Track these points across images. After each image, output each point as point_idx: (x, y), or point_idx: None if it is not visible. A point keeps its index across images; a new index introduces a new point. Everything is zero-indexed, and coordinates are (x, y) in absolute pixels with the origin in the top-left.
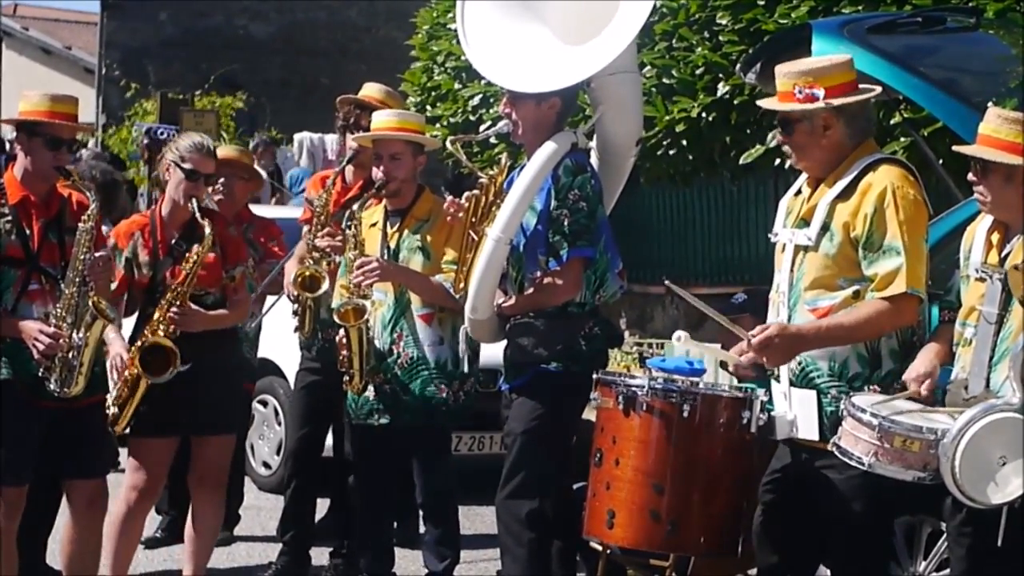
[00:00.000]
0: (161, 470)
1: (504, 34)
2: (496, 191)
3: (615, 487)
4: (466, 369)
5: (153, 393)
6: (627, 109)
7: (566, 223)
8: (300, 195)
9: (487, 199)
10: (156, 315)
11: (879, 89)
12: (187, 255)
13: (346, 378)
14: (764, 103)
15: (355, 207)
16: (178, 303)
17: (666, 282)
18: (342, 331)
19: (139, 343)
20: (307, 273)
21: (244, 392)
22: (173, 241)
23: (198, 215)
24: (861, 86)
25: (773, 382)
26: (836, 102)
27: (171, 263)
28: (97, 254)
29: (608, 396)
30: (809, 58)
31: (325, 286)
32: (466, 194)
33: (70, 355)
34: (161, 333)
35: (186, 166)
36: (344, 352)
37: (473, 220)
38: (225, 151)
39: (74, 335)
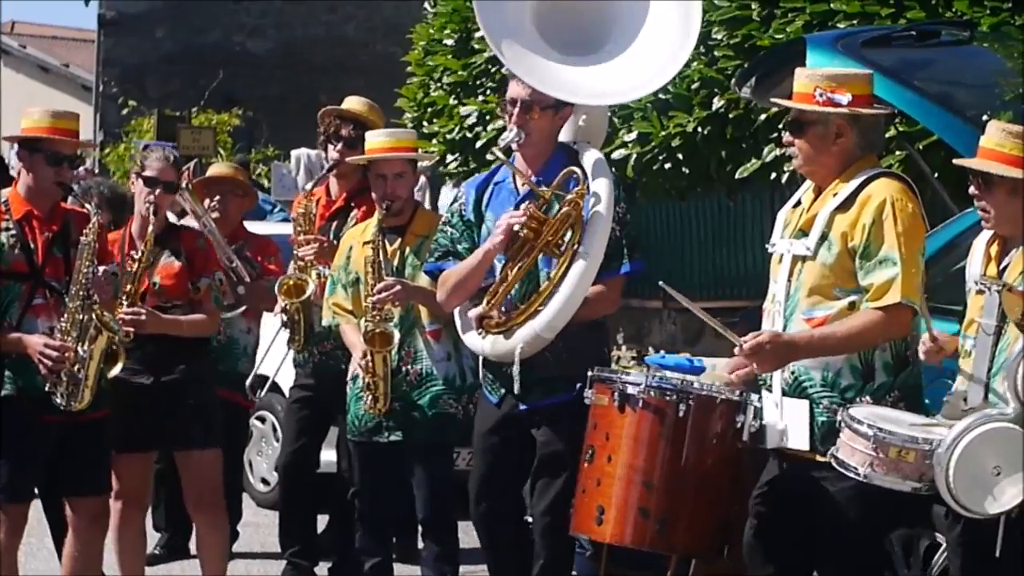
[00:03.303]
0: (139, 484)
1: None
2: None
3: (605, 483)
4: (469, 383)
5: (123, 408)
6: (603, 116)
7: (622, 236)
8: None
9: (575, 217)
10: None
11: (891, 109)
12: (131, 255)
13: (370, 400)
14: (780, 102)
15: (372, 232)
16: (127, 303)
17: (661, 283)
18: (368, 356)
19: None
20: (291, 282)
21: (241, 408)
22: None
23: (151, 217)
24: (875, 105)
25: (765, 391)
26: (860, 110)
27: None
28: (102, 267)
29: (603, 393)
30: (833, 67)
31: (310, 289)
32: (518, 208)
33: (76, 369)
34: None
35: (145, 173)
36: (368, 378)
37: (549, 239)
38: (219, 168)
39: (79, 348)
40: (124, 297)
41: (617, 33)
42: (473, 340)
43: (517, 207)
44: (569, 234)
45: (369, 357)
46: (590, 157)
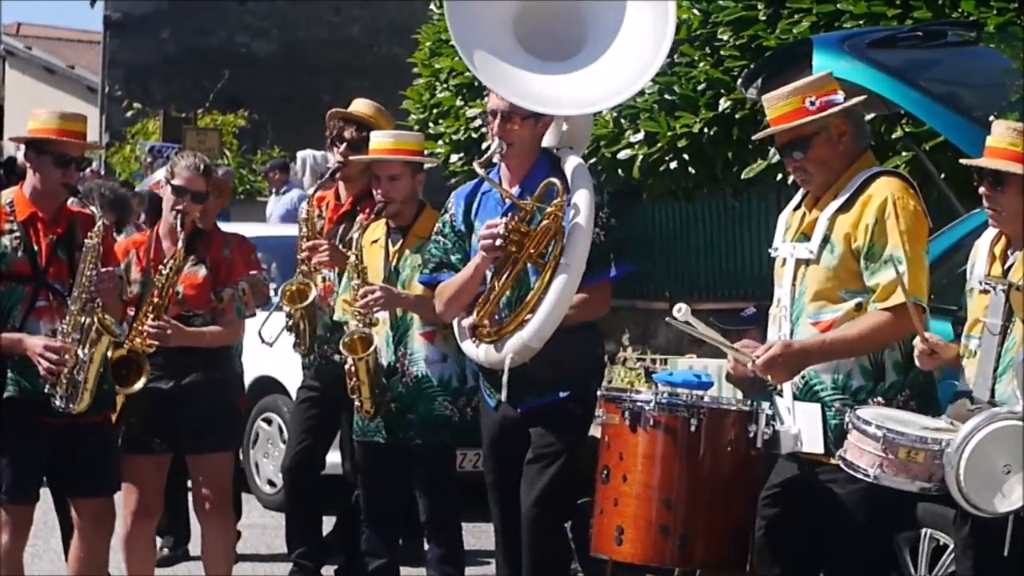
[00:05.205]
0: (153, 488)
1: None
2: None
3: (623, 503)
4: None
5: (141, 410)
6: (587, 119)
7: (607, 241)
8: None
9: (556, 228)
10: (132, 327)
11: (864, 96)
12: (159, 269)
13: (357, 403)
14: (767, 133)
15: (356, 235)
16: (152, 316)
17: (669, 320)
18: (349, 361)
19: (110, 355)
20: (293, 287)
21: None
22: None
23: (179, 227)
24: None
25: (776, 396)
26: (851, 102)
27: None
28: (104, 269)
29: (614, 412)
30: (800, 80)
31: (313, 294)
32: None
33: (75, 371)
34: (138, 343)
35: (174, 182)
36: (352, 380)
37: (532, 251)
38: None
39: (79, 351)
40: (150, 309)
41: (594, 36)
42: (469, 348)
43: (504, 217)
44: (552, 245)
45: (351, 363)
46: (571, 165)
